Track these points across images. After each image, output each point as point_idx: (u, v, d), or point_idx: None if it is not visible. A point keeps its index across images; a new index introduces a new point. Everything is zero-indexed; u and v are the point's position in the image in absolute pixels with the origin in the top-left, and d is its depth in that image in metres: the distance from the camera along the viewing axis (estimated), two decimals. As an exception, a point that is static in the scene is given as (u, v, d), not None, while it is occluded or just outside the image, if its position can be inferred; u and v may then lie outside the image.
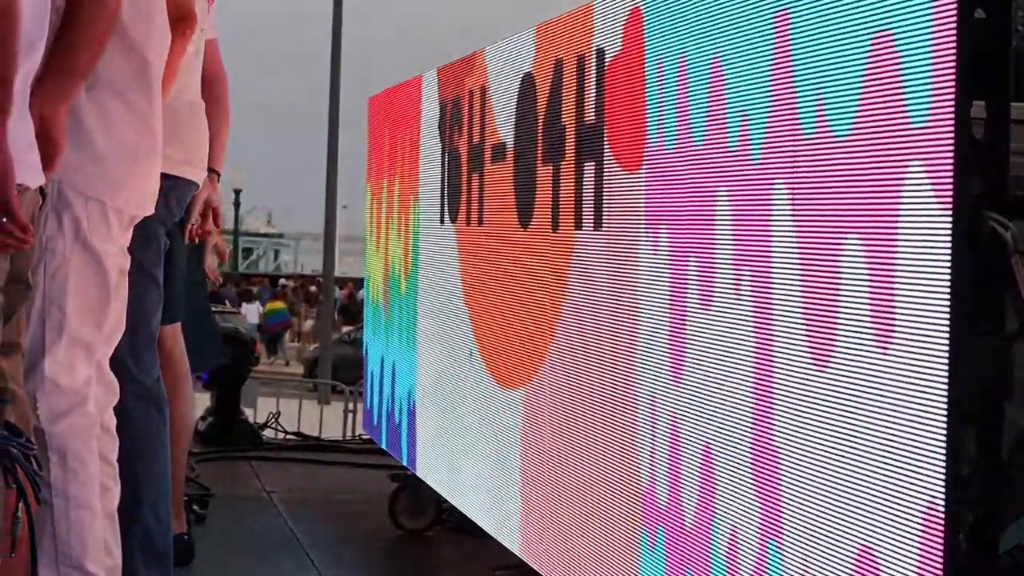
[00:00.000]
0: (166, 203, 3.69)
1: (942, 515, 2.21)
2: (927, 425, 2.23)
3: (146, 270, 3.62)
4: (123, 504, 3.30)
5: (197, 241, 4.65)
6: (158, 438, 3.74)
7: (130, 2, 3.24)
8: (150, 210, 3.38)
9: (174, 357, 4.54)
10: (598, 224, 3.52)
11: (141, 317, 3.60)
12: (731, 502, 2.83)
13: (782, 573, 2.64)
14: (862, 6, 2.41)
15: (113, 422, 3.29)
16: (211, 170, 4.29)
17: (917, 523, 2.26)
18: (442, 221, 4.93)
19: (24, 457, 2.75)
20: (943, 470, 2.20)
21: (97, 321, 3.24)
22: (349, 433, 11.12)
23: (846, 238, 2.45)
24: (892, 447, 2.32)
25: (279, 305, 34.90)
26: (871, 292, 2.38)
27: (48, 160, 2.89)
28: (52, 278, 3.18)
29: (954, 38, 2.19)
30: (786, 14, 2.65)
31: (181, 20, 3.52)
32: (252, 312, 31.06)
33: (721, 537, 2.86)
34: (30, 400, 3.10)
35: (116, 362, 3.34)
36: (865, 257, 2.39)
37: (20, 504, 2.73)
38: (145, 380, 3.70)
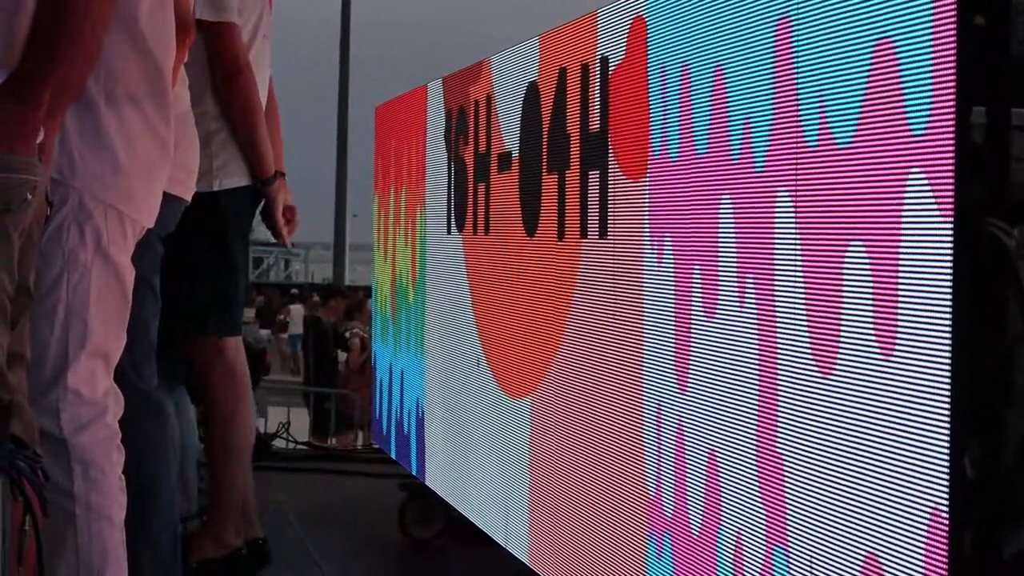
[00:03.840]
0: (161, 215, 3.69)
1: (947, 520, 2.21)
2: (931, 431, 2.24)
3: (144, 279, 3.61)
4: (131, 515, 3.30)
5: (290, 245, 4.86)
6: (162, 447, 3.74)
7: (147, 12, 3.23)
8: (152, 223, 3.38)
9: (236, 368, 4.50)
10: (603, 233, 3.53)
11: (141, 327, 3.59)
12: (737, 509, 2.83)
13: (788, 580, 2.64)
14: (863, 14, 2.42)
15: (119, 435, 3.29)
16: (280, 173, 4.52)
17: (922, 529, 2.26)
18: (449, 230, 4.94)
19: (31, 470, 2.75)
20: (947, 475, 2.21)
21: (115, 333, 3.24)
22: (359, 442, 11.13)
23: (849, 245, 2.45)
24: (896, 453, 2.32)
25: None
26: (874, 299, 2.38)
27: None
28: (75, 289, 3.17)
29: (954, 45, 2.19)
30: (788, 22, 2.66)
31: (182, 29, 3.51)
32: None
33: (727, 544, 2.87)
34: (52, 411, 3.11)
35: (118, 373, 3.35)
36: (868, 264, 2.40)
37: (27, 517, 2.73)
38: (147, 389, 3.70)
